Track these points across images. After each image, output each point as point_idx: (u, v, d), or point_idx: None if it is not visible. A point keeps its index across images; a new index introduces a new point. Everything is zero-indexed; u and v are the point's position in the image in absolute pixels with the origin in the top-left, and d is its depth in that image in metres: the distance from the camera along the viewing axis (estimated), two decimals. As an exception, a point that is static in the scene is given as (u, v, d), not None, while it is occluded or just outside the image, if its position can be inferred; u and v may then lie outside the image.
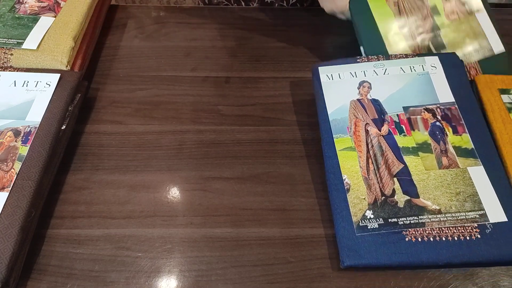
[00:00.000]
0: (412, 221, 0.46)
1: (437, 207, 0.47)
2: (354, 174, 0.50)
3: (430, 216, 0.47)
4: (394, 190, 0.48)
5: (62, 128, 0.54)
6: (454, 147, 0.51)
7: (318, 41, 0.70)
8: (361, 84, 0.57)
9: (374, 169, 0.50)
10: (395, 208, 0.47)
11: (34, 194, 0.46)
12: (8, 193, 0.46)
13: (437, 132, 0.52)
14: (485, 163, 0.50)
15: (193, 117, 0.60)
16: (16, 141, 0.50)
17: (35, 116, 0.53)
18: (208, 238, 0.48)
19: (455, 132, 0.53)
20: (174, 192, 0.52)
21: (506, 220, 0.46)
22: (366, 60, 0.59)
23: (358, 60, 0.59)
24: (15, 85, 0.56)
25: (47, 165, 0.49)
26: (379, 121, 0.54)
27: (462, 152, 0.51)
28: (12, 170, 0.48)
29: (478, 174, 0.49)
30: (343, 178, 0.50)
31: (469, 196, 0.48)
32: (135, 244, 0.47)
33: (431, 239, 0.45)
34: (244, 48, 0.69)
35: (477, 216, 0.46)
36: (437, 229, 0.46)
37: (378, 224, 0.46)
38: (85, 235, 0.48)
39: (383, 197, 0.48)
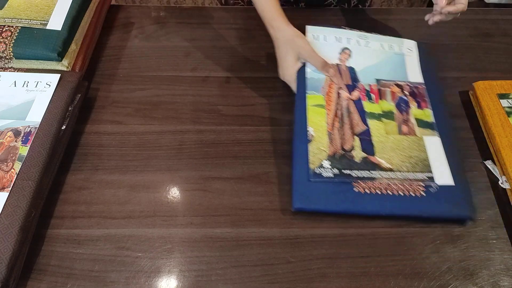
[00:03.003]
0: (364, 175, 0.50)
1: (390, 166, 0.51)
2: (319, 128, 0.54)
3: (381, 173, 0.51)
4: (353, 147, 0.53)
5: (62, 128, 0.54)
6: (416, 119, 0.56)
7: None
8: (343, 49, 0.62)
9: (339, 127, 0.54)
10: (351, 161, 0.51)
11: (34, 194, 0.47)
12: (8, 193, 0.46)
13: (403, 104, 0.58)
14: (442, 135, 0.54)
15: (193, 117, 0.60)
16: (16, 141, 0.50)
17: (35, 116, 0.53)
18: (208, 238, 0.48)
19: (419, 107, 0.58)
20: (174, 192, 0.52)
21: (453, 184, 0.50)
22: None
23: (345, 28, 0.65)
24: (15, 86, 0.56)
25: (47, 165, 0.49)
26: (352, 87, 0.59)
27: (423, 123, 0.56)
28: (12, 170, 0.48)
29: (434, 143, 0.54)
30: (308, 129, 0.54)
31: (421, 161, 0.52)
32: (135, 244, 0.47)
33: (378, 192, 0.49)
34: (244, 48, 0.69)
35: (425, 178, 0.50)
36: (386, 184, 0.50)
37: (333, 173, 0.50)
38: (85, 235, 0.48)
39: (342, 151, 0.52)
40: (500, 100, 0.58)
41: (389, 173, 0.50)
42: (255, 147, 0.56)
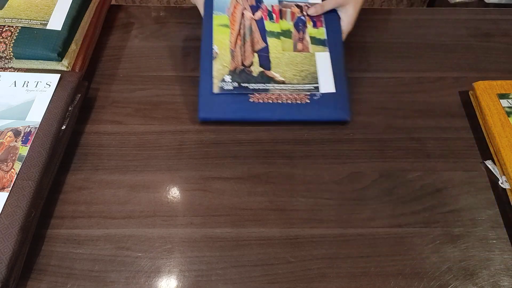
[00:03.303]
0: (260, 87, 0.57)
1: (283, 79, 0.58)
2: (223, 46, 0.60)
3: (274, 85, 0.57)
4: (252, 63, 0.59)
5: (62, 128, 0.54)
6: (311, 37, 0.62)
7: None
8: None
9: (241, 44, 0.60)
10: (249, 76, 0.58)
11: (34, 194, 0.47)
12: (8, 193, 0.46)
13: (300, 24, 0.63)
14: (331, 50, 0.61)
15: (193, 117, 0.59)
16: (16, 141, 0.50)
17: (35, 116, 0.53)
18: (208, 238, 0.48)
19: (314, 26, 0.63)
20: (174, 192, 0.52)
21: (334, 91, 0.57)
22: None
23: None
24: (15, 86, 0.56)
25: (47, 165, 0.49)
26: (255, 8, 0.64)
27: (316, 41, 0.62)
28: (12, 170, 0.48)
29: (323, 59, 0.60)
30: (213, 48, 0.59)
31: (310, 74, 0.59)
32: (135, 244, 0.47)
33: (270, 101, 0.56)
34: (244, 48, 0.69)
35: (312, 88, 0.57)
36: (277, 95, 0.57)
37: (233, 86, 0.56)
38: (85, 235, 0.48)
39: (242, 67, 0.58)
40: (500, 100, 0.58)
41: (281, 85, 0.57)
42: (255, 147, 0.56)
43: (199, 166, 0.54)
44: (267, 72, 0.58)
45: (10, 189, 0.46)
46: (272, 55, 0.59)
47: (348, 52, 0.69)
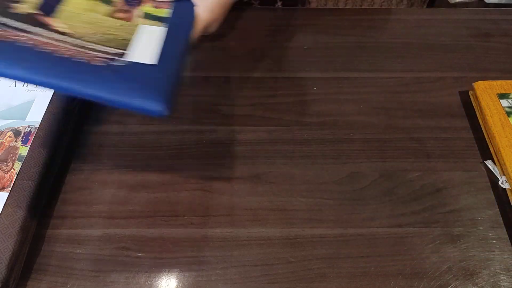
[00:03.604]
0: (19, 26, 0.36)
1: (69, 32, 0.39)
2: None
3: (48, 33, 0.37)
4: (22, 1, 0.39)
5: (62, 128, 0.54)
6: (145, 13, 0.47)
7: (317, 41, 0.70)
8: None
9: None
10: (6, 9, 0.37)
11: (34, 194, 0.47)
12: (8, 193, 0.46)
13: (133, 1, 0.48)
14: (171, 28, 0.45)
15: (193, 117, 0.60)
16: (16, 141, 0.50)
17: (35, 116, 0.53)
18: (208, 238, 0.48)
19: (156, 7, 0.48)
20: (174, 192, 0.52)
21: (154, 63, 0.39)
22: None
23: None
24: (15, 85, 0.56)
25: (47, 165, 0.49)
26: None
27: (151, 17, 0.46)
28: (12, 170, 0.48)
29: (152, 31, 0.43)
30: None
31: (120, 39, 0.41)
32: (135, 244, 0.47)
33: (34, 48, 0.34)
34: (244, 48, 0.69)
35: (115, 52, 0.39)
36: (52, 44, 0.36)
37: None
38: (85, 235, 0.48)
39: None
40: (500, 100, 0.58)
41: (62, 36, 0.37)
42: (255, 147, 0.56)
43: (199, 166, 0.54)
44: (42, 18, 0.38)
45: (10, 189, 0.46)
46: (66, 7, 0.40)
47: (348, 52, 0.69)
